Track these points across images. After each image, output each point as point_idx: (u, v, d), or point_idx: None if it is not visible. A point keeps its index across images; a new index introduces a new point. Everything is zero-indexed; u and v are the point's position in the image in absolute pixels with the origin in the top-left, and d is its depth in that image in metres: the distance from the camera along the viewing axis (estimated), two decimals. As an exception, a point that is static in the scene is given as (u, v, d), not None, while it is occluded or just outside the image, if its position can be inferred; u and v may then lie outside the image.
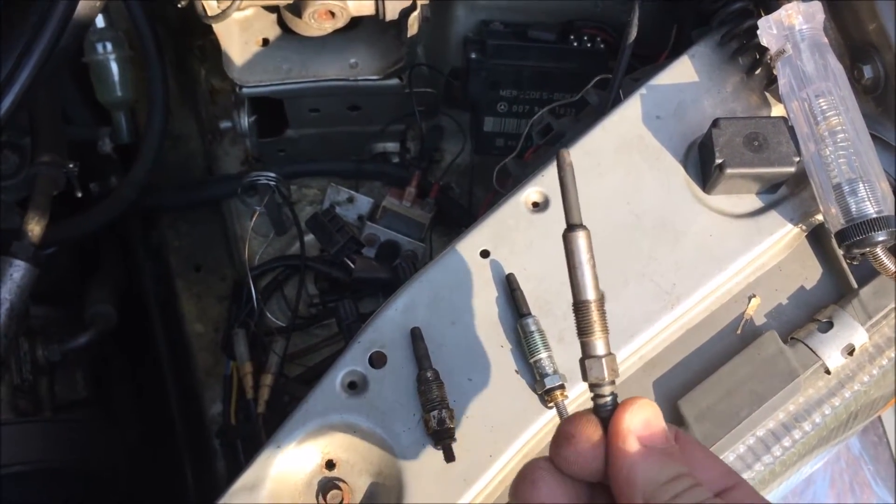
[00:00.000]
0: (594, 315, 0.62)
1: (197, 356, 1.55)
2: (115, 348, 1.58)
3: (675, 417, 0.94)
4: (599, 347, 0.62)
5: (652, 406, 0.60)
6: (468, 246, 0.98)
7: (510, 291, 0.95)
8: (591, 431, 0.59)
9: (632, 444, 0.57)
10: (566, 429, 0.60)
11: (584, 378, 0.62)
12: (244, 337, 1.42)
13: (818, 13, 0.96)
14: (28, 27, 1.13)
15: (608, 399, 0.61)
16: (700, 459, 0.60)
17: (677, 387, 0.96)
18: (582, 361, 0.63)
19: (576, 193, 0.63)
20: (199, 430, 1.51)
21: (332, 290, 1.48)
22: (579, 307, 0.63)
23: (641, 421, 0.58)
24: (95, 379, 1.49)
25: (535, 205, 1.00)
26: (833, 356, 0.96)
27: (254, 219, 1.50)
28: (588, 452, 0.59)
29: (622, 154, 1.02)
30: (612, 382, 0.62)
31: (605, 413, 0.61)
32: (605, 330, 0.63)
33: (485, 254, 0.98)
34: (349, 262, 1.37)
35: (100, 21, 1.49)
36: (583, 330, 0.63)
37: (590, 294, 0.63)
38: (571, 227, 0.64)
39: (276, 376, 1.38)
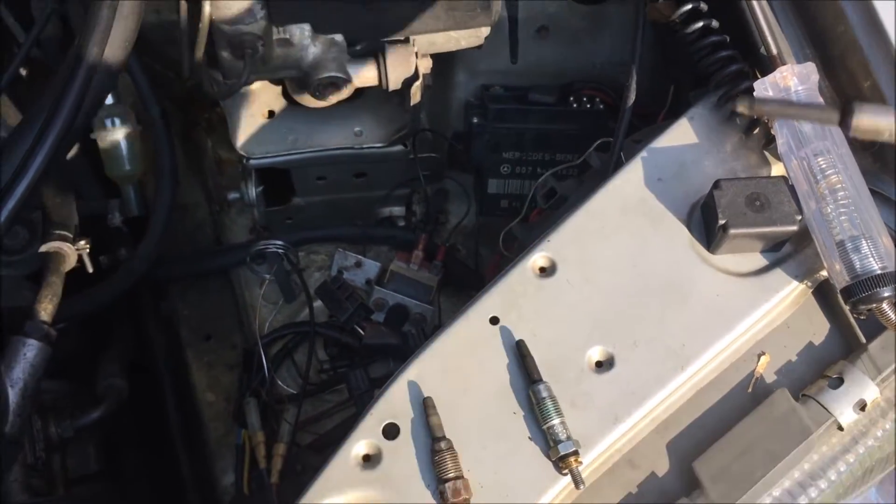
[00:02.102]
0: None
1: (208, 426, 1.55)
2: (127, 419, 1.58)
3: (690, 479, 0.94)
4: None
5: None
6: (477, 313, 0.99)
7: (521, 358, 0.96)
8: None
9: None
10: None
11: None
12: (255, 406, 1.42)
13: (813, 74, 0.98)
14: (40, 110, 1.16)
15: None
16: None
17: (691, 448, 0.96)
18: None
19: None
20: (212, 500, 1.50)
21: (342, 356, 1.49)
22: None
23: None
24: (107, 451, 1.49)
25: (542, 270, 1.01)
26: (845, 412, 0.95)
27: (263, 287, 1.51)
28: None
29: (626, 216, 1.03)
30: None
31: None
32: None
33: (494, 321, 0.99)
34: (359, 329, 1.37)
35: (108, 97, 1.53)
36: None
37: None
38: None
39: (289, 445, 1.38)
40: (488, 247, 1.58)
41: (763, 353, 1.00)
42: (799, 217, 0.96)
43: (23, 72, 1.66)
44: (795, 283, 1.00)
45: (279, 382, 1.49)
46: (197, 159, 1.71)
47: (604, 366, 0.97)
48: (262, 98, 1.41)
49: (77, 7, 1.42)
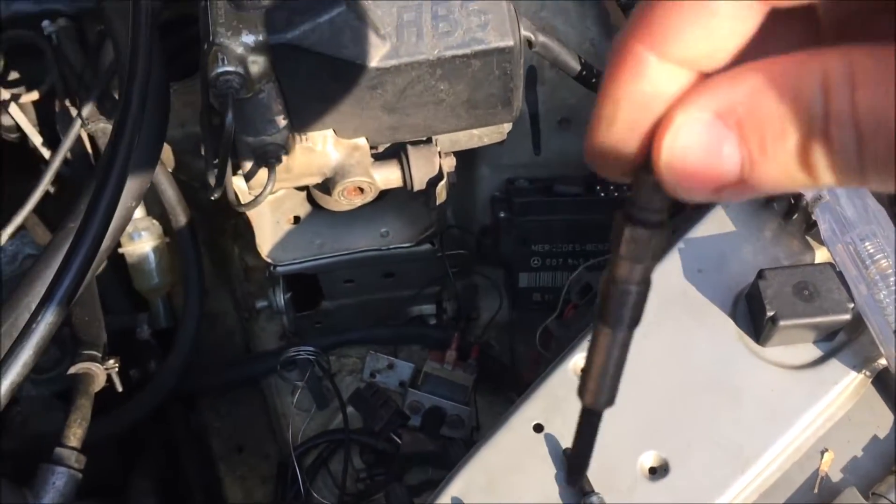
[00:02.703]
0: None
1: (244, 542, 1.50)
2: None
3: (760, 592, 0.88)
4: None
5: None
6: (520, 421, 0.95)
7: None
8: None
9: None
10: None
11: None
12: (292, 521, 1.37)
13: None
14: (67, 234, 1.15)
15: None
16: None
17: (759, 557, 0.90)
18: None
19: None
20: None
21: (379, 462, 1.44)
22: None
23: None
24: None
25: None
26: (921, 510, 0.89)
27: (295, 395, 1.48)
28: None
29: (667, 311, 0.99)
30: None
31: None
32: None
33: (538, 428, 0.94)
34: (396, 438, 1.33)
35: (136, 211, 1.53)
36: None
37: None
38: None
39: (328, 562, 1.32)
40: (523, 342, 1.54)
41: (826, 450, 0.94)
42: (851, 305, 0.91)
43: (51, 189, 1.68)
44: (853, 373, 0.95)
45: (314, 494, 1.44)
46: (224, 267, 1.70)
47: (658, 472, 0.91)
48: (287, 204, 1.41)
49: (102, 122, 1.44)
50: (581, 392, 0.45)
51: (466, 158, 1.49)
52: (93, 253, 0.92)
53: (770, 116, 0.27)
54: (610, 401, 0.45)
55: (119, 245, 1.52)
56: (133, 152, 1.01)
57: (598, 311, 0.42)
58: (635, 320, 0.43)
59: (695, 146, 0.30)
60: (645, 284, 0.41)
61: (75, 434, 1.17)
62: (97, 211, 0.91)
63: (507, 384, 1.47)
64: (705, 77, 0.30)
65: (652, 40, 0.29)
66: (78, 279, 0.91)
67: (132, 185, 1.14)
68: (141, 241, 1.52)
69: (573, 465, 0.56)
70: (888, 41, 0.26)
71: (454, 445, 1.27)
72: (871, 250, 0.91)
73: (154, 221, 1.54)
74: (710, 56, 0.29)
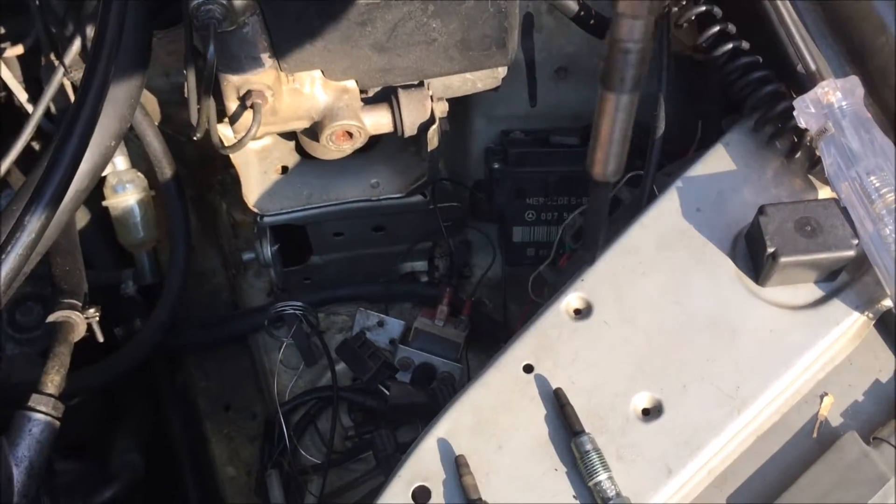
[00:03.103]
0: None
1: (230, 503, 1.46)
2: (144, 497, 1.50)
3: (756, 537, 0.84)
4: None
5: None
6: (509, 361, 0.92)
7: (559, 408, 0.87)
8: None
9: None
10: None
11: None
12: (278, 478, 1.34)
13: (857, 87, 0.91)
14: (37, 177, 1.11)
15: None
16: None
17: (755, 502, 0.87)
18: None
19: None
20: (235, 582, 1.41)
21: (367, 421, 1.41)
22: None
23: None
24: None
25: (578, 312, 0.93)
26: (924, 454, 0.86)
27: (281, 351, 1.45)
28: None
29: (665, 251, 0.96)
30: None
31: None
32: None
33: (528, 368, 0.91)
34: (384, 389, 1.30)
35: (119, 163, 1.49)
36: None
37: None
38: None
39: (314, 519, 1.29)
40: (516, 299, 1.50)
41: (826, 394, 0.91)
42: (855, 241, 0.88)
43: (35, 146, 1.64)
44: (856, 314, 0.91)
45: (302, 452, 1.41)
46: (211, 223, 1.67)
47: (651, 413, 0.88)
48: (275, 154, 1.37)
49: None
50: (589, 164, 0.48)
51: (460, 110, 1.46)
52: (66, 181, 0.89)
53: None
54: (618, 170, 0.47)
55: (103, 198, 1.49)
56: (110, 80, 0.97)
57: (602, 76, 0.43)
58: (636, 82, 0.44)
59: None
60: (645, 42, 0.43)
61: (53, 381, 1.14)
62: (72, 136, 0.87)
63: (500, 342, 1.43)
64: None
65: None
66: (52, 204, 0.87)
67: (110, 122, 1.10)
68: (125, 193, 1.48)
69: (588, 241, 0.58)
70: None
71: (444, 395, 1.23)
72: (878, 184, 0.87)
73: (139, 174, 1.50)
74: None
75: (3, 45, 1.61)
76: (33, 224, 0.89)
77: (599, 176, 0.52)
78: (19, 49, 1.59)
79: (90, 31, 1.42)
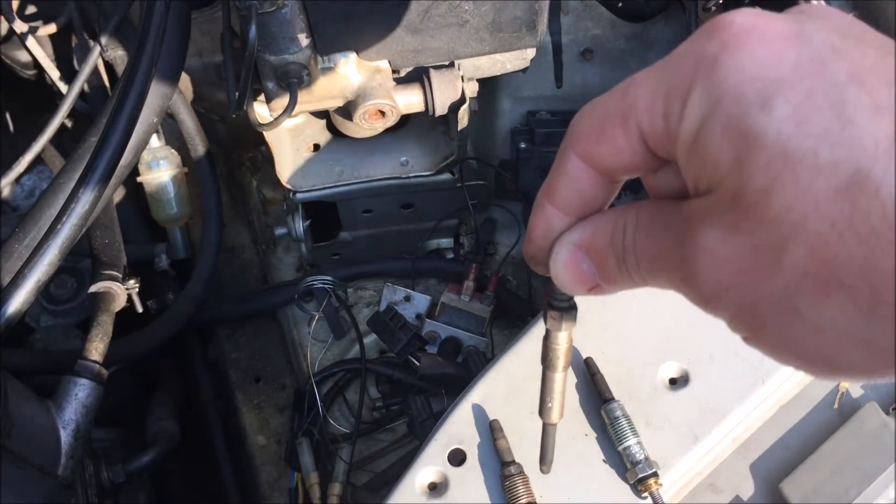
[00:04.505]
0: None
1: (260, 470, 1.51)
2: (177, 465, 1.55)
3: (778, 501, 0.88)
4: None
5: None
6: (542, 331, 0.95)
7: (590, 376, 0.91)
8: None
9: None
10: None
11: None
12: (308, 446, 1.38)
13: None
14: (86, 151, 1.15)
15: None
16: None
17: (777, 469, 0.90)
18: None
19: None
20: (266, 547, 1.46)
21: (394, 393, 1.45)
22: None
23: None
24: (158, 497, 1.45)
25: (607, 285, 0.97)
26: (942, 424, 0.89)
27: (312, 325, 1.49)
28: None
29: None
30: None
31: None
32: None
33: (559, 339, 0.94)
34: (414, 361, 1.33)
35: (154, 140, 1.53)
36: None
37: None
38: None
39: (344, 485, 1.33)
40: (540, 277, 1.54)
41: (847, 365, 0.94)
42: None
43: (68, 123, 1.68)
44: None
45: (331, 422, 1.45)
46: (242, 200, 1.71)
47: (678, 382, 0.92)
48: (307, 132, 1.40)
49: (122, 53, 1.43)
50: (540, 413, 0.66)
51: (487, 91, 1.49)
52: (118, 155, 0.92)
53: (601, 247, 0.44)
54: (559, 416, 0.65)
55: (138, 174, 1.53)
56: (157, 63, 1.01)
57: (542, 361, 0.63)
58: (565, 367, 0.62)
59: (566, 264, 0.46)
60: (568, 344, 0.61)
61: (97, 349, 1.18)
62: (123, 112, 0.90)
63: (524, 318, 1.47)
64: (578, 220, 0.46)
65: (550, 197, 0.46)
66: (105, 178, 0.91)
67: (154, 99, 1.14)
68: (159, 169, 1.51)
69: (542, 457, 0.74)
70: (671, 197, 0.43)
71: (475, 362, 1.27)
72: None
73: (173, 151, 1.54)
74: (582, 208, 0.45)
75: (35, 24, 1.65)
76: (87, 196, 0.93)
77: (548, 421, 0.67)
78: (52, 28, 1.62)
79: (126, 9, 1.45)
